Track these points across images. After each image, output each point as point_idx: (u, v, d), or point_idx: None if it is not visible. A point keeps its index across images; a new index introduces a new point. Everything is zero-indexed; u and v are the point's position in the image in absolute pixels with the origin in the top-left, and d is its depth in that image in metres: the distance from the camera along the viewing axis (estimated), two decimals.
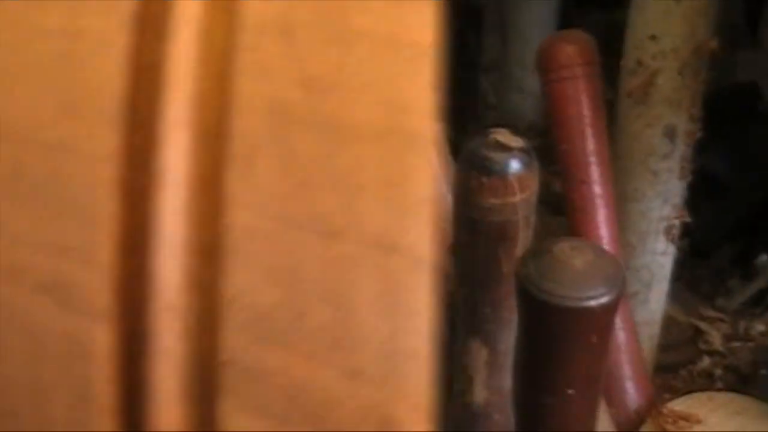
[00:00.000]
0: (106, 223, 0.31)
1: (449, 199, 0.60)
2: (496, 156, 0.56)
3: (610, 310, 0.86)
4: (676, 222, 0.93)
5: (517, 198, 0.58)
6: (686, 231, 0.95)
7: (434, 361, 0.31)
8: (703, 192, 0.93)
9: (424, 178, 0.31)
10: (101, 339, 0.31)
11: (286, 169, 0.31)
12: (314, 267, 0.30)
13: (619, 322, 0.87)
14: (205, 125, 0.32)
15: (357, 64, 0.32)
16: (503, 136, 0.57)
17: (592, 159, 0.93)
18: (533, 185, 0.60)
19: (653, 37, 0.91)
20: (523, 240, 0.63)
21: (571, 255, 0.87)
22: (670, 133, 0.91)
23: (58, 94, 0.32)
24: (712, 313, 0.95)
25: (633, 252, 0.94)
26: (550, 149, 0.93)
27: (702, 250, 0.96)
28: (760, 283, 0.93)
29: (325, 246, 0.31)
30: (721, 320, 0.94)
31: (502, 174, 0.57)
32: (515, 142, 0.57)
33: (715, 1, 0.88)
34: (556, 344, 0.87)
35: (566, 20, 1.06)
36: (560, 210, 0.93)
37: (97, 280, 0.31)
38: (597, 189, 0.92)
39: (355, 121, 0.31)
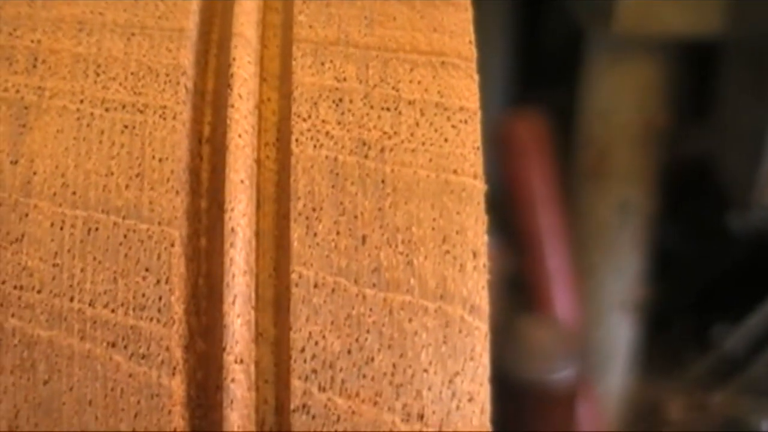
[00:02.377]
0: (176, 281, 0.33)
1: None
2: None
3: (571, 383, 0.88)
4: (632, 295, 0.96)
5: None
6: (643, 305, 0.97)
7: (489, 403, 0.33)
8: (658, 265, 0.96)
9: (477, 232, 0.33)
10: (175, 391, 0.33)
11: (346, 227, 0.33)
12: (376, 317, 0.33)
13: (580, 395, 0.90)
14: (265, 188, 0.35)
15: (408, 130, 0.34)
16: None
17: (547, 234, 0.96)
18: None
19: (604, 113, 0.94)
20: None
21: (533, 330, 0.90)
22: (623, 207, 0.94)
23: (126, 163, 0.34)
24: (670, 385, 0.97)
25: (590, 325, 0.96)
26: (506, 224, 0.95)
27: (659, 322, 0.98)
28: (716, 354, 0.95)
29: (386, 298, 0.33)
30: (680, 391, 0.96)
31: None
32: None
33: (663, 76, 0.92)
34: (521, 419, 0.89)
35: (518, 97, 1.09)
36: (519, 285, 0.96)
37: (170, 336, 0.33)
38: (553, 263, 0.95)
39: (409, 181, 0.34)
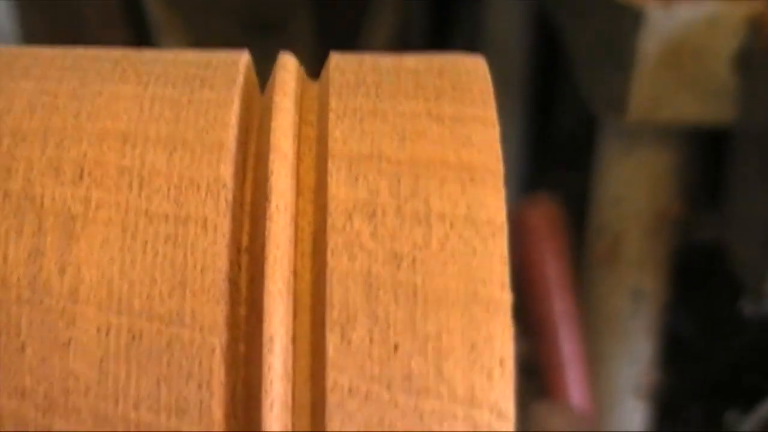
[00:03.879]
0: (216, 386, 0.35)
1: None
2: None
3: None
4: (645, 381, 0.97)
5: None
6: (655, 391, 0.98)
7: None
8: (671, 353, 0.97)
9: (504, 341, 0.35)
10: None
11: (379, 336, 0.35)
12: (407, 422, 0.34)
13: None
14: (302, 297, 0.36)
15: (438, 242, 0.36)
16: None
17: (561, 319, 0.97)
18: None
19: (617, 200, 0.95)
20: None
21: (547, 416, 0.91)
22: (636, 295, 0.95)
23: (169, 272, 0.35)
24: None
25: (603, 411, 0.97)
26: (520, 310, 0.97)
27: (672, 409, 0.99)
28: None
29: (417, 404, 0.34)
30: None
31: None
32: None
33: (677, 164, 0.93)
34: None
35: (533, 182, 1.10)
36: (533, 370, 0.96)
37: None
38: (567, 349, 0.96)
39: (440, 291, 0.35)
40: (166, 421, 0.34)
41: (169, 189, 0.37)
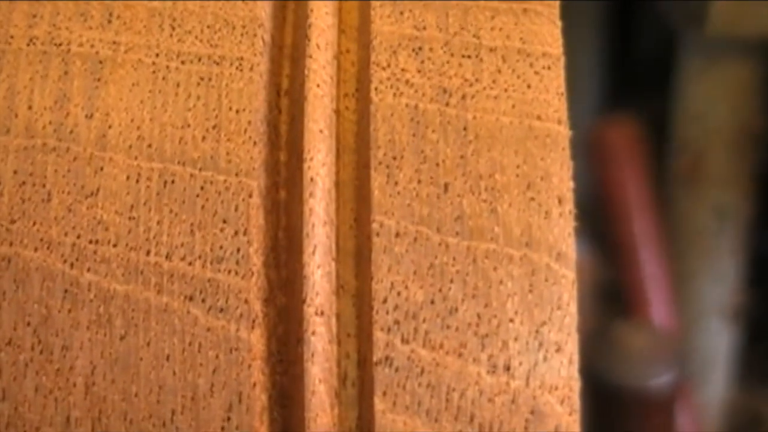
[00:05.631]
0: (255, 233, 0.32)
1: None
2: None
3: (670, 389, 0.86)
4: (731, 302, 0.94)
5: None
6: (742, 311, 0.95)
7: (578, 353, 0.32)
8: (757, 272, 0.94)
9: (562, 178, 0.32)
10: (255, 345, 0.32)
11: (427, 175, 0.32)
12: (459, 266, 0.32)
13: (679, 402, 0.87)
14: (345, 138, 0.34)
15: (490, 76, 0.33)
16: None
17: (643, 240, 0.94)
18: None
19: (698, 118, 0.93)
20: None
21: (630, 336, 0.88)
22: (720, 212, 0.92)
23: (203, 115, 0.33)
24: None
25: (688, 333, 0.94)
26: (600, 231, 0.94)
27: (759, 330, 0.96)
28: None
29: (469, 246, 0.32)
30: None
31: None
32: None
33: (758, 78, 0.90)
34: (619, 426, 0.87)
35: (611, 103, 1.07)
36: (614, 294, 0.94)
37: (249, 288, 0.32)
38: (649, 269, 0.93)
39: (492, 128, 0.32)
40: (201, 271, 0.32)
41: (202, 30, 0.35)
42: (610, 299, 0.94)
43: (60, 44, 0.35)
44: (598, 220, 0.94)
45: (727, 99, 0.93)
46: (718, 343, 0.94)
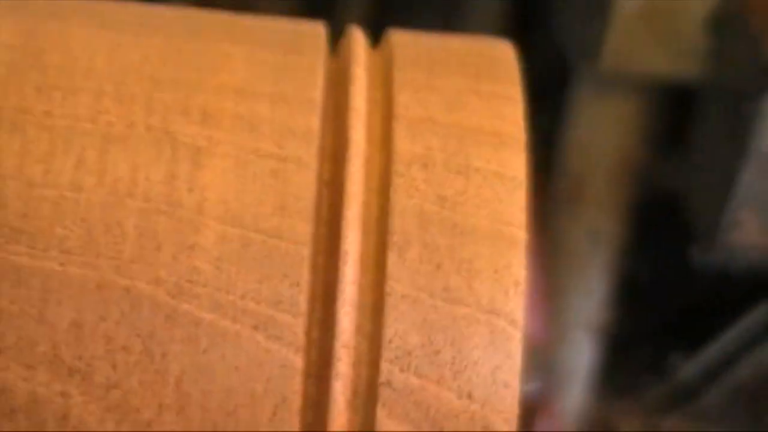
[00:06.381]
0: (304, 285, 0.46)
1: None
2: None
3: (533, 398, 0.93)
4: (597, 317, 1.03)
5: None
6: (606, 327, 1.03)
7: (520, 390, 0.46)
8: (623, 292, 1.03)
9: (519, 268, 0.47)
10: (298, 364, 0.46)
11: (427, 257, 0.46)
12: (444, 323, 0.46)
13: (541, 410, 0.97)
14: (369, 223, 0.48)
15: (474, 190, 0.47)
16: None
17: None
18: None
19: (583, 145, 0.99)
20: None
21: None
22: (594, 235, 1.01)
23: (272, 198, 0.46)
24: (626, 407, 1.01)
25: (554, 343, 1.03)
26: None
27: (619, 346, 1.04)
28: (671, 380, 1.01)
29: (452, 309, 0.46)
30: (634, 414, 1.01)
31: None
32: None
33: (642, 110, 0.98)
34: None
35: None
36: None
37: (297, 324, 0.46)
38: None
39: (474, 227, 0.47)
40: (265, 309, 0.46)
41: (272, 134, 0.48)
42: None
43: (169, 133, 0.48)
44: None
45: (612, 131, 0.99)
46: (580, 355, 1.03)
